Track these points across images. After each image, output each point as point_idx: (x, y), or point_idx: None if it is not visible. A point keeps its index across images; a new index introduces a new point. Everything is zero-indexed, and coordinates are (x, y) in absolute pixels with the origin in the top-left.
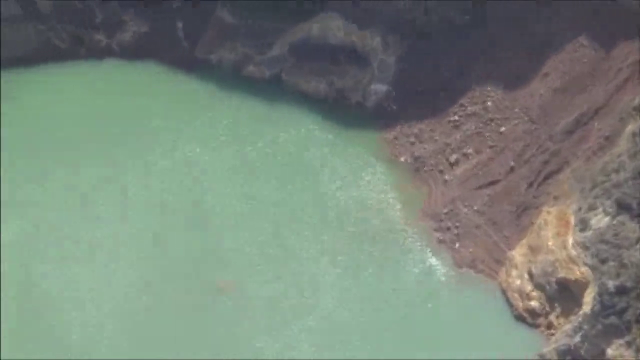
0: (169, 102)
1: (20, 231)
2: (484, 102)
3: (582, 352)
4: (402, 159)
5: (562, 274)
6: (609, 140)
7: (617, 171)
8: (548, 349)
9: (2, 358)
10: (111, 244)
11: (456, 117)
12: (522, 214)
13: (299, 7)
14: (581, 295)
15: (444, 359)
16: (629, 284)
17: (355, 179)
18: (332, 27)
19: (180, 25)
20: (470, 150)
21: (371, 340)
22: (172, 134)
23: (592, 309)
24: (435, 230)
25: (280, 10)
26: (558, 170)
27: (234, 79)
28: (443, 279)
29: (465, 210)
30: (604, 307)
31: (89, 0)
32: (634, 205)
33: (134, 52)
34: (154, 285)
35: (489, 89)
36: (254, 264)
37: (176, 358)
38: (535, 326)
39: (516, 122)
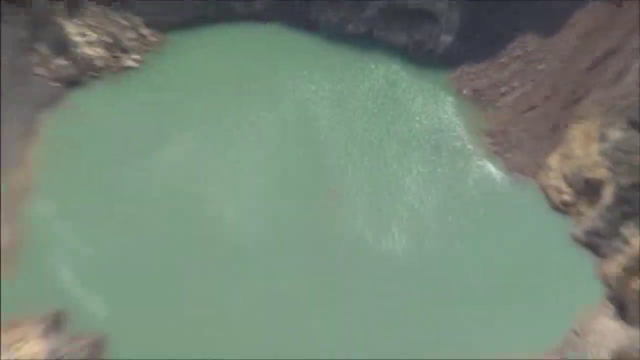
0: (290, 53)
1: (183, 153)
2: (525, 47)
3: (602, 232)
4: (464, 92)
5: (587, 174)
6: (621, 73)
7: (627, 97)
8: (577, 230)
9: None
10: (250, 162)
11: (505, 60)
12: (556, 131)
13: None
14: (602, 190)
15: (501, 237)
16: (637, 181)
17: (430, 107)
18: None
19: None
20: (515, 84)
21: (446, 224)
22: (293, 78)
23: (611, 201)
24: (491, 144)
25: None
26: (583, 97)
27: (339, 35)
28: (498, 179)
29: (514, 129)
30: (620, 199)
31: None
32: None
33: (265, 17)
34: (284, 191)
35: (529, 37)
36: (357, 174)
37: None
38: (568, 214)
39: (550, 61)
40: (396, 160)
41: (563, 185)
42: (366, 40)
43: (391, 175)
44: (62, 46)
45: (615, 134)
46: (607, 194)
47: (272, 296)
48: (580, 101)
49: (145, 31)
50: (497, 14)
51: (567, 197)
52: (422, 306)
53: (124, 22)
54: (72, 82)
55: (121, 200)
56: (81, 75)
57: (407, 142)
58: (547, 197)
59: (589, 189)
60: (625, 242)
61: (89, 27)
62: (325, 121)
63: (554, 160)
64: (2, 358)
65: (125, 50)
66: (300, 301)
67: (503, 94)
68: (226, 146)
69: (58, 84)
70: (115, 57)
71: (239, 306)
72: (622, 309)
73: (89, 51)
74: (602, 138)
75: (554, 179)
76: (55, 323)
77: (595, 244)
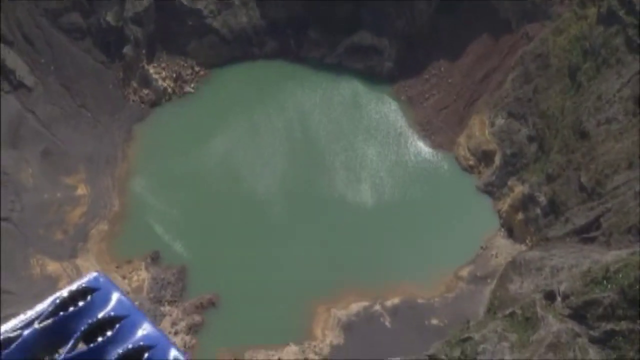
0: (290, 79)
1: (226, 145)
2: (440, 68)
3: (495, 183)
4: (402, 98)
5: (484, 147)
6: (501, 83)
7: (505, 98)
8: (479, 182)
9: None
10: (268, 149)
11: (426, 76)
12: (462, 121)
13: (350, 31)
14: (494, 157)
15: (430, 189)
16: (516, 151)
17: (381, 108)
18: (365, 38)
19: (292, 42)
20: (434, 92)
21: (394, 181)
22: (292, 94)
23: (500, 163)
24: (421, 131)
25: (341, 32)
26: (478, 99)
27: (320, 65)
28: (427, 152)
29: (435, 120)
30: (505, 162)
31: (260, 36)
32: (515, 113)
33: (272, 56)
34: (290, 166)
35: (441, 61)
36: (335, 153)
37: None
38: (473, 173)
39: (455, 77)
40: (361, 143)
41: (469, 155)
42: (338, 68)
43: (359, 153)
44: (146, 81)
45: (500, 121)
46: (497, 159)
47: (286, 228)
48: (476, 101)
49: (197, 68)
50: (420, 47)
51: (472, 162)
52: (375, 235)
53: (183, 63)
54: (154, 104)
55: (191, 177)
56: (159, 99)
57: (367, 131)
58: (459, 163)
59: (486, 157)
60: (510, 189)
61: (162, 67)
62: (314, 118)
63: (462, 139)
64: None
65: (185, 81)
66: (302, 224)
67: (427, 99)
68: (253, 137)
69: (145, 106)
70: (179, 86)
71: (267, 237)
72: (511, 232)
73: (163, 83)
74: (492, 124)
75: (463, 151)
76: (154, 260)
77: (491, 191)
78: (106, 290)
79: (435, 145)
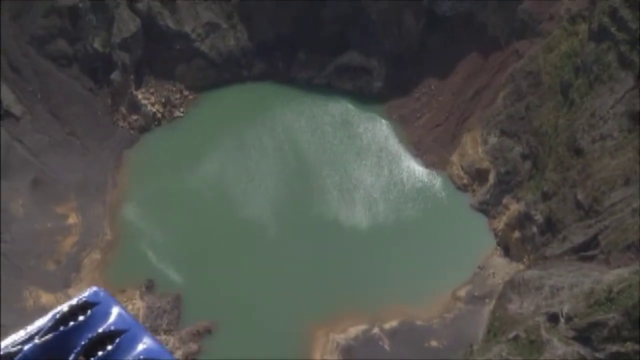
0: (280, 100)
1: (217, 167)
2: (430, 86)
3: (490, 202)
4: (394, 117)
5: (477, 166)
6: (492, 100)
7: (497, 115)
8: (473, 201)
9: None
10: (260, 169)
11: (417, 95)
12: (454, 139)
13: (338, 52)
14: (488, 175)
15: (424, 208)
16: (510, 169)
17: (371, 128)
18: (353, 58)
19: (280, 64)
20: (425, 111)
21: (388, 201)
22: (282, 115)
23: (494, 182)
24: (413, 149)
25: (330, 52)
26: (469, 116)
27: (309, 86)
28: (420, 172)
29: (427, 139)
30: (500, 181)
31: (248, 58)
32: (508, 131)
33: (261, 78)
34: (284, 185)
35: (431, 80)
36: (329, 174)
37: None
38: (467, 191)
39: (446, 95)
40: (353, 164)
41: (462, 174)
42: (327, 88)
43: (351, 174)
44: (134, 106)
45: (493, 139)
46: (491, 178)
47: (280, 251)
48: (468, 119)
49: (185, 92)
50: (410, 66)
51: (465, 181)
52: (371, 256)
53: (172, 87)
54: (143, 129)
55: (183, 201)
56: (148, 124)
57: (359, 152)
58: (453, 182)
59: (479, 175)
60: (506, 207)
61: (150, 92)
62: (304, 140)
63: (455, 158)
64: None
65: (174, 106)
66: (297, 247)
67: (418, 117)
68: (244, 160)
69: (134, 132)
70: (168, 111)
71: (261, 261)
72: (507, 250)
73: (152, 108)
74: (484, 142)
75: (456, 170)
76: (148, 288)
77: (486, 209)
78: (106, 304)
79: (428, 164)
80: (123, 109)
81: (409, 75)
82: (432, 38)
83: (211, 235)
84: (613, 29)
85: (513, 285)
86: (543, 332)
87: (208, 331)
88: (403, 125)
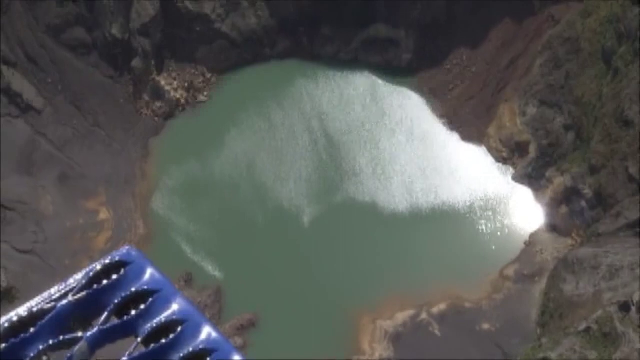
0: (306, 78)
1: (248, 151)
2: (461, 57)
3: (533, 175)
4: (425, 90)
5: (516, 138)
6: (529, 69)
7: (534, 85)
8: (515, 174)
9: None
10: (292, 151)
11: (448, 66)
12: (490, 111)
13: (364, 25)
14: (528, 148)
15: (468, 184)
16: (553, 141)
17: (403, 102)
18: (380, 30)
19: (304, 40)
20: (458, 82)
21: (429, 178)
22: (309, 94)
23: (535, 155)
24: (447, 123)
25: (355, 26)
26: (505, 87)
27: (335, 61)
28: (457, 146)
29: (462, 112)
30: (542, 153)
31: (270, 36)
32: (548, 101)
33: (284, 55)
34: (319, 173)
35: (462, 50)
36: (365, 156)
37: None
38: (507, 165)
39: (479, 65)
40: (386, 141)
41: (501, 147)
42: (354, 63)
43: (385, 153)
44: (157, 93)
45: (532, 110)
46: (532, 150)
47: (318, 237)
48: (503, 89)
49: (208, 75)
50: (439, 37)
51: (504, 154)
52: (412, 238)
53: (194, 71)
54: (168, 116)
55: (214, 189)
56: (172, 111)
57: (391, 128)
58: (491, 155)
59: (519, 148)
60: (550, 181)
61: (172, 77)
62: (334, 117)
63: (492, 130)
64: None
65: (197, 90)
66: (334, 231)
67: (451, 90)
68: (273, 142)
69: (159, 119)
70: (192, 95)
71: (299, 249)
72: (554, 226)
73: (175, 94)
74: (523, 113)
75: (494, 143)
76: (187, 282)
77: (528, 183)
78: (139, 264)
79: (464, 138)
80: (146, 96)
81: (439, 46)
82: (461, 6)
83: (244, 223)
84: None
85: (567, 264)
86: (617, 324)
87: (252, 324)
88: (435, 98)
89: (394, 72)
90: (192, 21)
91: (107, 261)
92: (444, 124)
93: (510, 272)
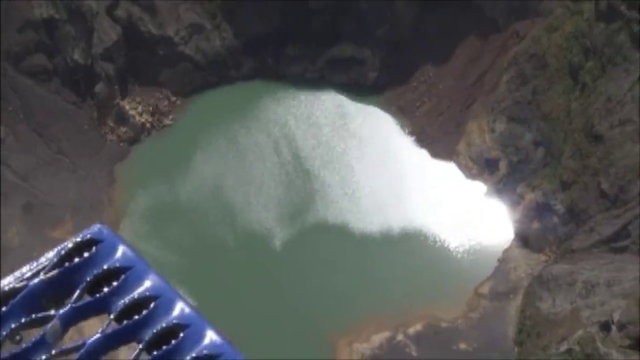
0: (272, 98)
1: (216, 174)
2: (428, 74)
3: (504, 191)
4: (393, 107)
5: (486, 155)
6: (496, 85)
7: (502, 100)
8: (485, 191)
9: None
10: (261, 173)
11: (415, 84)
12: (459, 127)
13: (330, 43)
14: (498, 164)
15: (439, 202)
16: (523, 157)
17: (370, 121)
18: (346, 49)
19: (269, 60)
20: (425, 99)
21: (398, 196)
22: (275, 113)
23: (506, 171)
24: (417, 140)
25: (321, 45)
26: (473, 102)
27: (301, 81)
28: (427, 163)
29: (430, 129)
30: (512, 170)
31: (235, 57)
32: (516, 117)
33: (250, 77)
34: (289, 195)
35: (428, 67)
36: (335, 176)
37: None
38: (478, 181)
39: (446, 82)
40: (355, 160)
41: (471, 163)
42: (320, 82)
43: (355, 172)
44: (122, 118)
45: (501, 126)
46: (503, 167)
47: (290, 260)
48: (472, 106)
49: (173, 98)
50: (405, 54)
51: (475, 171)
52: (385, 258)
53: (159, 94)
54: (133, 141)
55: (182, 214)
56: (138, 135)
57: (360, 147)
58: (462, 172)
59: (489, 165)
60: (521, 197)
61: (137, 102)
62: (301, 138)
63: (461, 147)
64: None
65: (163, 114)
66: (306, 254)
67: (418, 107)
68: (240, 164)
69: (124, 144)
70: (157, 119)
71: (272, 272)
72: (526, 241)
73: (140, 118)
74: (492, 130)
75: (464, 160)
76: None
77: (500, 199)
78: (111, 241)
79: (434, 154)
80: (110, 122)
81: (405, 64)
82: (427, 23)
83: (214, 247)
84: (623, 8)
85: (542, 281)
86: (599, 345)
87: None
88: (403, 115)
89: (361, 90)
90: (155, 44)
91: (79, 239)
92: (413, 141)
93: (485, 289)
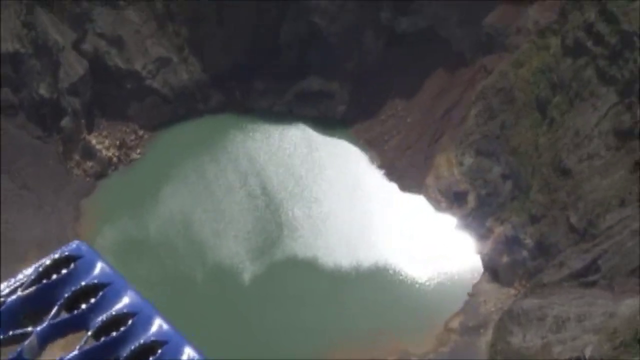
0: (240, 132)
1: (184, 209)
2: (396, 107)
3: (473, 225)
4: (361, 140)
5: (455, 188)
6: (464, 119)
7: (470, 134)
8: (454, 224)
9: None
10: (229, 207)
11: (383, 117)
12: (427, 160)
13: (298, 77)
14: (467, 198)
15: (409, 235)
16: (491, 191)
17: (339, 154)
18: (314, 83)
19: (237, 94)
20: (394, 133)
21: (368, 231)
22: (244, 147)
23: (475, 205)
24: (385, 174)
25: (288, 78)
26: (441, 136)
27: (269, 114)
28: (396, 197)
29: (399, 162)
30: (481, 203)
31: (203, 90)
32: (485, 151)
33: (218, 110)
34: (258, 229)
35: (397, 101)
36: (304, 210)
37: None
38: (446, 214)
39: (414, 115)
40: (324, 194)
41: (440, 197)
42: (288, 116)
43: (323, 205)
44: (89, 152)
45: (469, 160)
46: (471, 200)
47: (261, 296)
48: (440, 139)
49: (140, 132)
50: (373, 87)
51: (444, 204)
52: (356, 293)
53: (126, 128)
54: (100, 175)
55: (151, 250)
56: (104, 170)
57: (329, 180)
58: (431, 205)
59: (458, 198)
60: (490, 230)
61: (104, 136)
62: (270, 171)
63: (430, 180)
64: None
65: (130, 148)
66: (275, 290)
67: (387, 140)
68: (209, 198)
69: (90, 179)
70: (124, 153)
71: (243, 308)
72: (496, 275)
73: (107, 153)
74: (460, 163)
75: (433, 193)
76: None
77: (468, 233)
78: (89, 258)
79: (403, 188)
80: (77, 156)
81: (374, 97)
82: (395, 57)
83: (183, 282)
84: (589, 44)
85: (512, 316)
86: None
87: None
88: (372, 149)
89: (329, 124)
90: (122, 78)
91: (57, 256)
92: (382, 174)
93: (455, 324)
